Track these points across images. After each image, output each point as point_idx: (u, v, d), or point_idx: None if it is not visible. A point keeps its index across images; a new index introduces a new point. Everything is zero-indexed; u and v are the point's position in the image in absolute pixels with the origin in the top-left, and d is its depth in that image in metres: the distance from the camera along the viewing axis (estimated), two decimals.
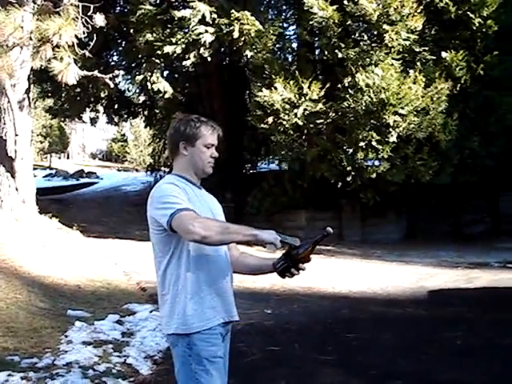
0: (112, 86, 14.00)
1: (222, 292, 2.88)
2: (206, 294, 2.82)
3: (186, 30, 13.73)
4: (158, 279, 2.93)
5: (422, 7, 12.71)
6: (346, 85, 12.86)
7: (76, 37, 10.45)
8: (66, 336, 5.95)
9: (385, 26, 12.57)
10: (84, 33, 10.75)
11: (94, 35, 11.26)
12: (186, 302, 2.80)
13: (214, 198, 3.16)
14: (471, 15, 13.19)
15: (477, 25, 13.26)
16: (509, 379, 5.10)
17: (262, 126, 13.41)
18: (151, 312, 7.12)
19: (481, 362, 5.49)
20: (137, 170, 38.55)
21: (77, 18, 10.43)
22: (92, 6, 10.60)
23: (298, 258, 2.77)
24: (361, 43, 13.24)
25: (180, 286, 2.82)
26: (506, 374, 5.21)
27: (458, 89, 13.17)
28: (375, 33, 13.09)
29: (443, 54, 13.11)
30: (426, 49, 13.28)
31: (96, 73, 11.97)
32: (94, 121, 23.54)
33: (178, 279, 2.82)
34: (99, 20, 10.64)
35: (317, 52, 15.04)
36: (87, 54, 11.42)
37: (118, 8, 18.45)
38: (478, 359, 5.58)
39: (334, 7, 12.65)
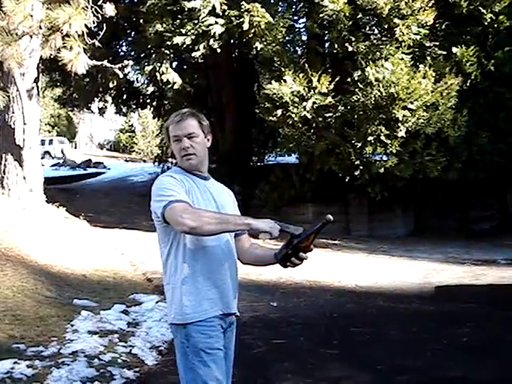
0: (121, 76, 13.97)
1: (220, 283, 2.86)
2: (203, 285, 2.81)
3: (196, 21, 13.69)
4: (162, 269, 2.95)
5: (433, 1, 12.62)
6: (356, 78, 12.80)
7: (86, 26, 10.42)
8: (72, 325, 5.97)
9: (396, 20, 12.50)
10: (94, 22, 10.73)
11: (104, 25, 11.27)
12: (182, 292, 2.80)
13: (224, 188, 3.13)
14: (483, 10, 13.10)
15: (488, 20, 13.17)
16: None
17: (271, 118, 13.38)
18: (157, 302, 7.12)
19: (487, 358, 5.47)
20: (144, 161, 38.60)
21: (87, 7, 10.40)
22: None
23: (299, 246, 2.75)
24: (371, 37, 13.17)
25: (177, 276, 2.82)
26: None
27: (468, 84, 13.10)
28: (386, 26, 13.00)
29: (454, 50, 13.03)
30: (437, 44, 13.20)
31: (105, 63, 11.95)
32: (102, 111, 23.57)
33: (176, 270, 2.83)
34: (109, 10, 10.61)
35: (327, 45, 14.99)
36: (97, 43, 11.39)
37: None
38: (484, 356, 5.55)
39: (345, 0, 12.59)
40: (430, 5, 12.59)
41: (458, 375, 5.05)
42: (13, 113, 11.45)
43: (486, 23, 13.27)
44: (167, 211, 2.72)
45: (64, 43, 10.48)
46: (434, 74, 12.60)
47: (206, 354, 2.78)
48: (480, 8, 13.16)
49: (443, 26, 13.64)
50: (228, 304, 2.89)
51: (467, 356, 5.53)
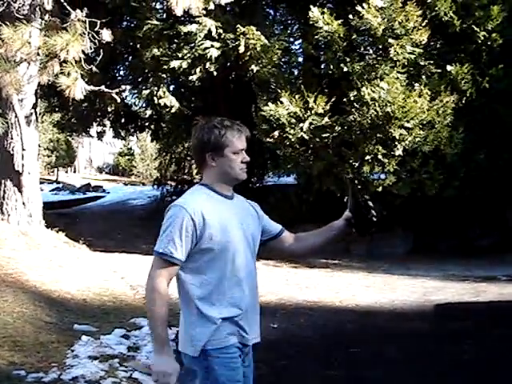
0: (119, 100, 14.07)
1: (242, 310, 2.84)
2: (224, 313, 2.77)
3: (192, 45, 13.82)
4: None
5: (426, 21, 12.71)
6: (352, 99, 12.86)
7: (83, 52, 10.52)
8: (73, 350, 5.96)
9: (390, 40, 12.59)
10: (91, 48, 10.83)
11: (101, 50, 11.36)
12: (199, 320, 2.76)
13: (247, 207, 3.08)
14: (476, 29, 13.18)
15: (482, 38, 13.25)
16: None
17: (268, 140, 13.43)
18: None
19: (488, 377, 5.47)
20: (143, 184, 38.59)
21: (84, 33, 10.50)
22: (99, 22, 10.69)
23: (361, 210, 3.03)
24: (366, 57, 13.24)
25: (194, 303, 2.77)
26: None
27: (463, 102, 13.14)
28: (380, 47, 13.08)
29: (448, 68, 13.09)
30: (431, 62, 13.26)
31: (103, 88, 12.03)
32: (100, 135, 23.68)
33: (193, 296, 2.77)
34: (106, 35, 10.72)
35: (322, 66, 15.08)
36: (94, 69, 11.50)
37: (125, 23, 18.57)
38: (484, 374, 5.55)
39: (339, 21, 12.70)
40: (424, 24, 12.68)
41: None
42: (11, 139, 11.51)
43: (479, 41, 13.34)
44: (155, 259, 2.70)
45: (62, 69, 10.57)
46: (429, 93, 12.66)
47: None
48: (473, 26, 13.24)
49: (437, 45, 13.74)
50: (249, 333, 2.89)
51: (467, 375, 5.53)
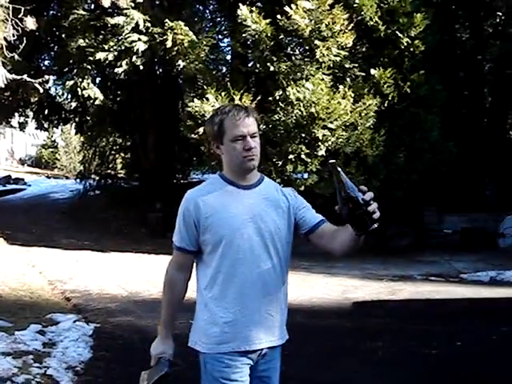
0: (42, 90, 13.78)
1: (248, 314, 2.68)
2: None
3: (119, 38, 13.67)
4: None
5: (352, 25, 13.00)
6: (277, 98, 13.01)
7: (5, 39, 10.27)
8: None
9: (316, 42, 12.80)
10: (14, 35, 10.57)
11: (25, 38, 11.10)
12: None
13: (282, 198, 2.79)
14: (400, 35, 13.57)
15: (405, 44, 13.66)
16: None
17: (193, 136, 13.42)
18: (75, 322, 7.00)
19: (398, 371, 5.65)
20: (67, 178, 37.79)
21: (6, 19, 10.26)
22: (23, 9, 10.45)
23: (354, 206, 2.42)
24: (293, 57, 13.42)
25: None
26: (424, 382, 5.40)
27: (385, 105, 13.50)
28: (307, 48, 13.31)
29: (372, 71, 13.42)
30: (356, 65, 13.57)
31: (25, 77, 11.75)
32: (23, 126, 23.12)
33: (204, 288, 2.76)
34: (30, 23, 10.50)
35: (250, 64, 15.17)
36: (17, 57, 11.24)
37: (51, 11, 18.19)
38: (398, 369, 5.74)
39: (267, 21, 12.82)
40: (350, 28, 12.96)
41: None
42: None
43: (402, 47, 13.75)
44: (173, 251, 2.78)
45: None
46: (353, 95, 12.95)
47: None
48: (397, 32, 13.63)
49: (363, 49, 14.08)
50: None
51: (380, 369, 5.71)
